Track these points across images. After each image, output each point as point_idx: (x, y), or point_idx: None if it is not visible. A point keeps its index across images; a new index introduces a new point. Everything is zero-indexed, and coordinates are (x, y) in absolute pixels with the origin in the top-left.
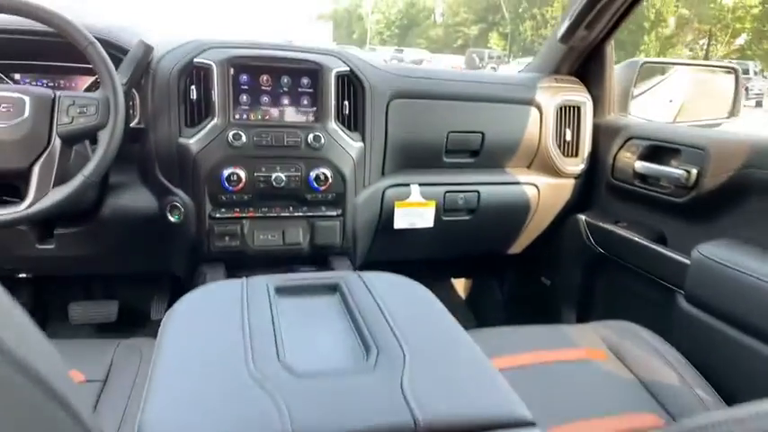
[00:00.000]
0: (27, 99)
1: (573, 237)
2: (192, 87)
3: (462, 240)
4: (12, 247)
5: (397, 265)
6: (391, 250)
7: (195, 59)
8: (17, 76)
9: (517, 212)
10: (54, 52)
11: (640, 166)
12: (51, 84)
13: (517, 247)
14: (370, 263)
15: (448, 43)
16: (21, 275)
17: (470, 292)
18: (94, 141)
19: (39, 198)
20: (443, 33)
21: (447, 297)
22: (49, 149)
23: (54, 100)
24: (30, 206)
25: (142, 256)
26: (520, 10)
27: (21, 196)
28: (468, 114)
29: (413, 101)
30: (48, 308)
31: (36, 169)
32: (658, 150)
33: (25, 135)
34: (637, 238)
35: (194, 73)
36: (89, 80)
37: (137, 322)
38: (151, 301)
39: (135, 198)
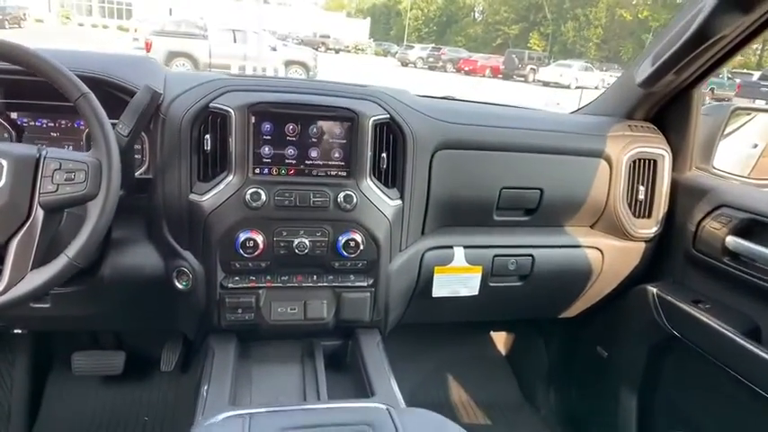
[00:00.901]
0: (4, 163)
1: (639, 310)
2: (207, 137)
3: (509, 306)
4: None
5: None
6: (426, 315)
7: (211, 104)
8: (14, 115)
9: (576, 279)
10: (55, 90)
11: (733, 242)
12: (51, 124)
13: (570, 312)
14: (399, 325)
15: (487, 42)
16: (16, 331)
17: (512, 348)
18: None
19: (13, 282)
20: (482, 31)
21: (484, 353)
22: (29, 222)
23: (38, 162)
24: (2, 293)
25: (147, 318)
26: (563, 8)
27: None
28: (525, 167)
29: (461, 152)
30: (50, 358)
31: (13, 246)
32: (758, 225)
33: (2, 206)
34: (721, 327)
35: (210, 120)
36: None
37: (145, 375)
38: (161, 352)
39: (139, 256)
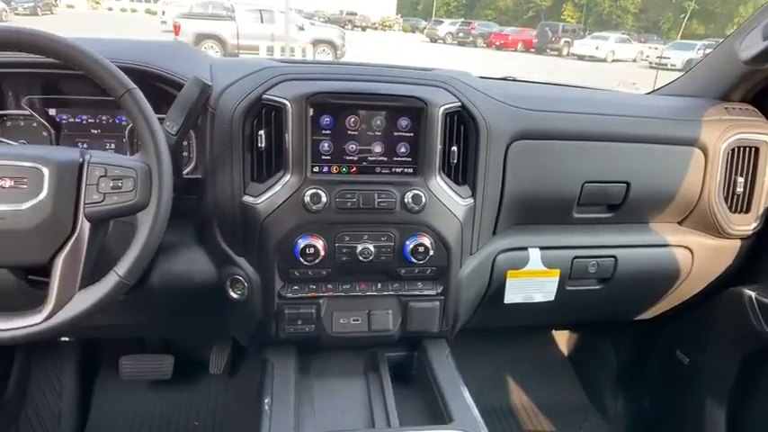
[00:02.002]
0: (46, 171)
1: (732, 314)
2: (261, 133)
3: (583, 310)
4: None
5: None
6: (492, 321)
7: (265, 96)
8: (52, 112)
9: (661, 281)
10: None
11: None
12: (91, 120)
13: (648, 314)
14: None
15: (518, 15)
16: (64, 339)
17: (575, 349)
18: None
19: (61, 303)
20: (513, 4)
21: (545, 354)
22: (74, 237)
23: (81, 168)
24: (49, 317)
25: (197, 325)
26: None
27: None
28: (610, 159)
29: (539, 143)
30: (98, 363)
31: (58, 264)
32: None
33: (43, 221)
34: None
35: (263, 113)
36: None
37: (193, 378)
38: (210, 355)
39: (190, 263)
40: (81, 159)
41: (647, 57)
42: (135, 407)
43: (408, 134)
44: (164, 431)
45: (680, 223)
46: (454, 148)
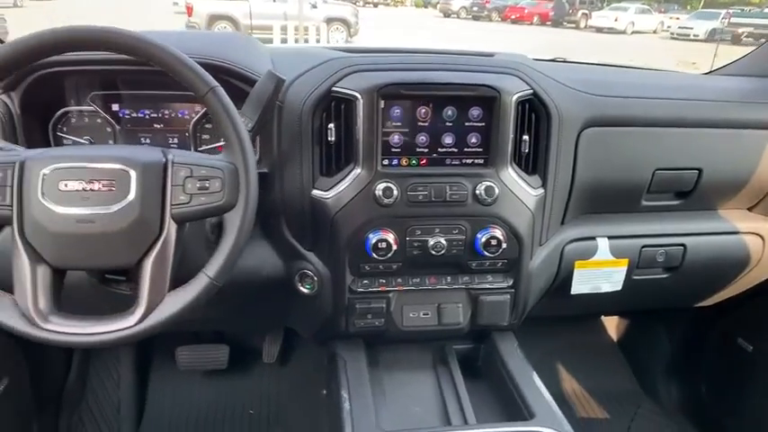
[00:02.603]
0: (133, 173)
1: None
2: (331, 126)
3: (646, 299)
4: (118, 307)
5: None
6: (552, 310)
7: (334, 88)
8: (115, 107)
9: (729, 268)
10: (154, 79)
11: None
12: (154, 114)
13: (710, 301)
14: None
15: None
16: None
17: (625, 333)
18: None
19: (153, 306)
20: None
21: (594, 340)
22: (162, 238)
23: (166, 168)
24: (141, 320)
25: (261, 320)
26: None
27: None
28: (682, 145)
29: (611, 129)
30: (153, 353)
31: (147, 266)
32: None
33: (132, 223)
34: None
35: (333, 106)
36: (197, 107)
37: (247, 367)
38: (263, 343)
39: (257, 257)
40: (164, 159)
41: (669, 27)
42: (191, 396)
43: (480, 124)
44: (219, 419)
45: (750, 209)
46: (526, 137)
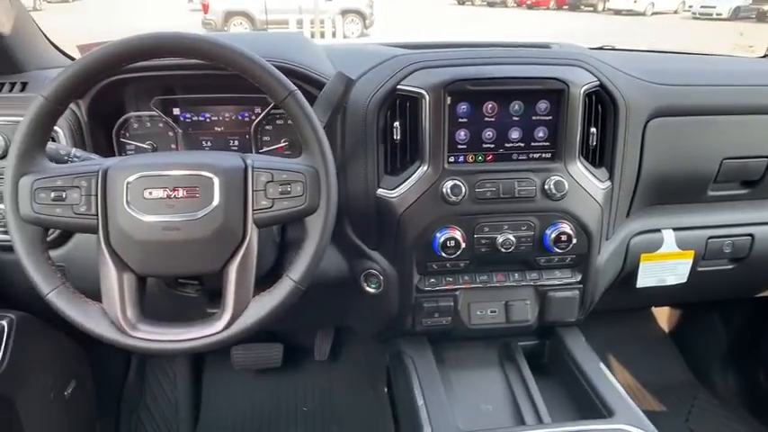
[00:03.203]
0: (216, 180)
1: None
2: (396, 124)
3: (709, 290)
4: (182, 309)
5: None
6: (617, 304)
7: (399, 86)
8: (176, 111)
9: None
10: (214, 82)
11: None
12: (215, 117)
13: None
14: None
15: None
16: None
17: (678, 324)
18: None
19: (239, 311)
20: None
21: (645, 330)
22: (245, 244)
23: (246, 173)
24: (228, 325)
25: (319, 318)
26: None
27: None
28: (750, 133)
29: (678, 119)
30: (208, 353)
31: (232, 272)
32: None
33: (217, 229)
34: None
35: (398, 104)
36: (257, 109)
37: (300, 365)
38: (314, 341)
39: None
40: (244, 165)
41: (690, 7)
42: (246, 394)
43: (547, 117)
44: (274, 417)
45: None
46: (593, 130)
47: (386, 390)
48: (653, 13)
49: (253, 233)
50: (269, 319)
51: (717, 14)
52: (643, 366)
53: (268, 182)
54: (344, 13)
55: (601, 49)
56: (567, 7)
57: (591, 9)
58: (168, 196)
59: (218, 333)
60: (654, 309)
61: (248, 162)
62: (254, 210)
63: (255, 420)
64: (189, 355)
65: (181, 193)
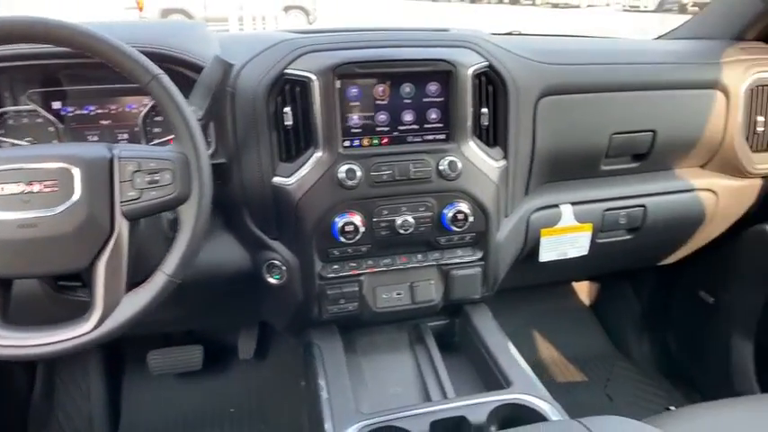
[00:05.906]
0: (76, 172)
1: (756, 251)
2: (287, 110)
3: (612, 261)
4: (77, 314)
5: None
6: (524, 279)
7: (287, 70)
8: (56, 105)
9: (687, 225)
10: (98, 72)
11: None
12: (100, 110)
13: (672, 259)
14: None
15: None
16: None
17: (596, 296)
18: None
19: (110, 309)
20: None
21: (567, 305)
22: (114, 238)
23: (112, 164)
24: (98, 324)
25: (233, 315)
26: None
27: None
28: (636, 108)
29: (567, 97)
30: (124, 358)
31: (101, 268)
32: None
33: (80, 224)
34: None
35: (287, 89)
36: (145, 100)
37: (223, 365)
38: (237, 340)
39: (221, 251)
40: (110, 155)
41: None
42: (167, 400)
43: (438, 99)
44: (199, 421)
45: (702, 167)
46: (485, 110)
47: (302, 383)
48: (588, 6)
49: (122, 227)
50: (142, 316)
51: (644, 7)
52: (566, 340)
53: (135, 171)
54: (288, 8)
55: (509, 34)
56: (508, 1)
57: (530, 3)
58: (23, 191)
59: (87, 333)
60: (575, 284)
61: (114, 152)
62: (121, 202)
63: (179, 426)
64: (103, 364)
65: (37, 187)
